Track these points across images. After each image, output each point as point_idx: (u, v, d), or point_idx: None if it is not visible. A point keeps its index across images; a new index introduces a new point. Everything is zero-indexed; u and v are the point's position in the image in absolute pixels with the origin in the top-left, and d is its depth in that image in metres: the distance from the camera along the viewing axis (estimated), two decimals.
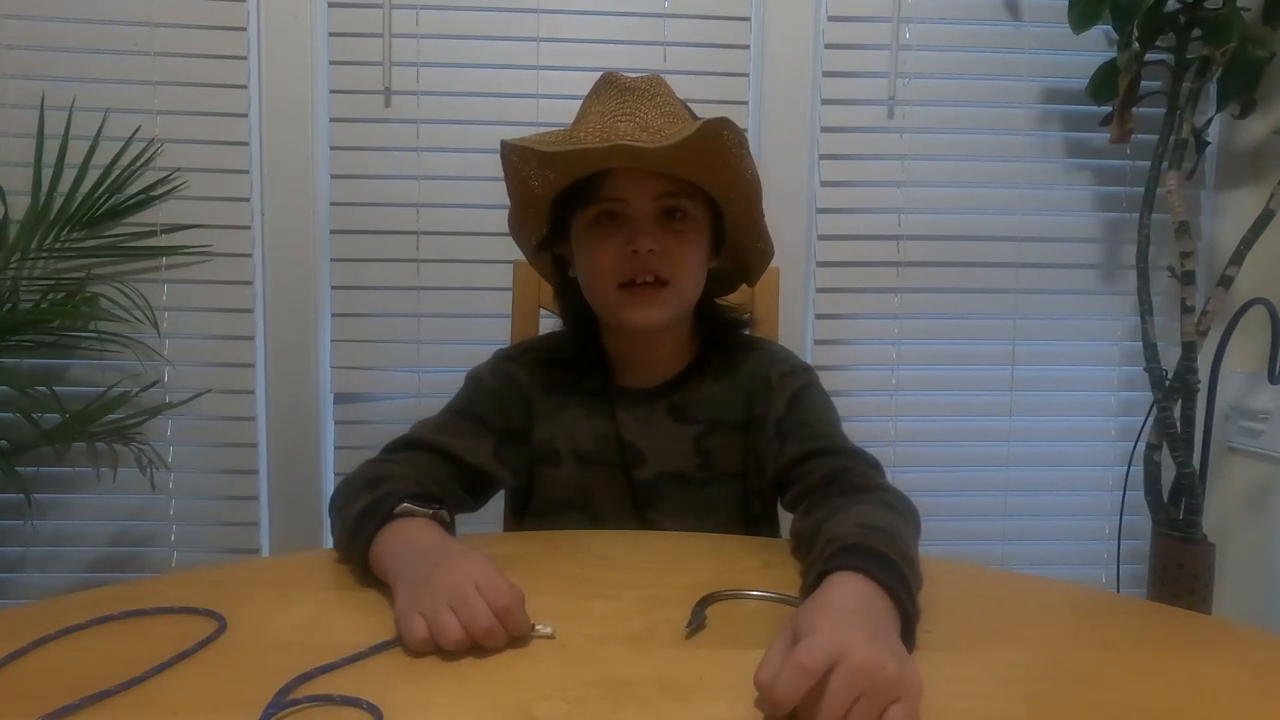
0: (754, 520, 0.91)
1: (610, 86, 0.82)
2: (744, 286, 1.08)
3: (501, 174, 0.84)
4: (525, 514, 0.93)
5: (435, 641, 0.54)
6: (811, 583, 0.57)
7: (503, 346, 0.97)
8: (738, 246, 0.91)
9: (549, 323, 1.09)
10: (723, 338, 0.92)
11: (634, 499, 0.88)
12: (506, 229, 0.93)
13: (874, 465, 0.78)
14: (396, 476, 0.75)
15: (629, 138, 0.74)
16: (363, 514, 0.68)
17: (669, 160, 0.77)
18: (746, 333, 0.96)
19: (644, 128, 0.77)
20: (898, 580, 0.55)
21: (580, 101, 0.87)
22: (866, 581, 0.55)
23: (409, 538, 0.65)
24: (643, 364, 0.90)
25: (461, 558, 0.60)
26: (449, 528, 0.71)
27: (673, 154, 0.75)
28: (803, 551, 0.69)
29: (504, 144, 0.79)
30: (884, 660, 0.46)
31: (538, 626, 0.57)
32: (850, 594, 0.54)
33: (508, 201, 0.88)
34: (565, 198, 0.84)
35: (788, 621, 0.51)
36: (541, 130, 0.81)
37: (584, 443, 0.89)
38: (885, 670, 0.46)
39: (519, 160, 0.81)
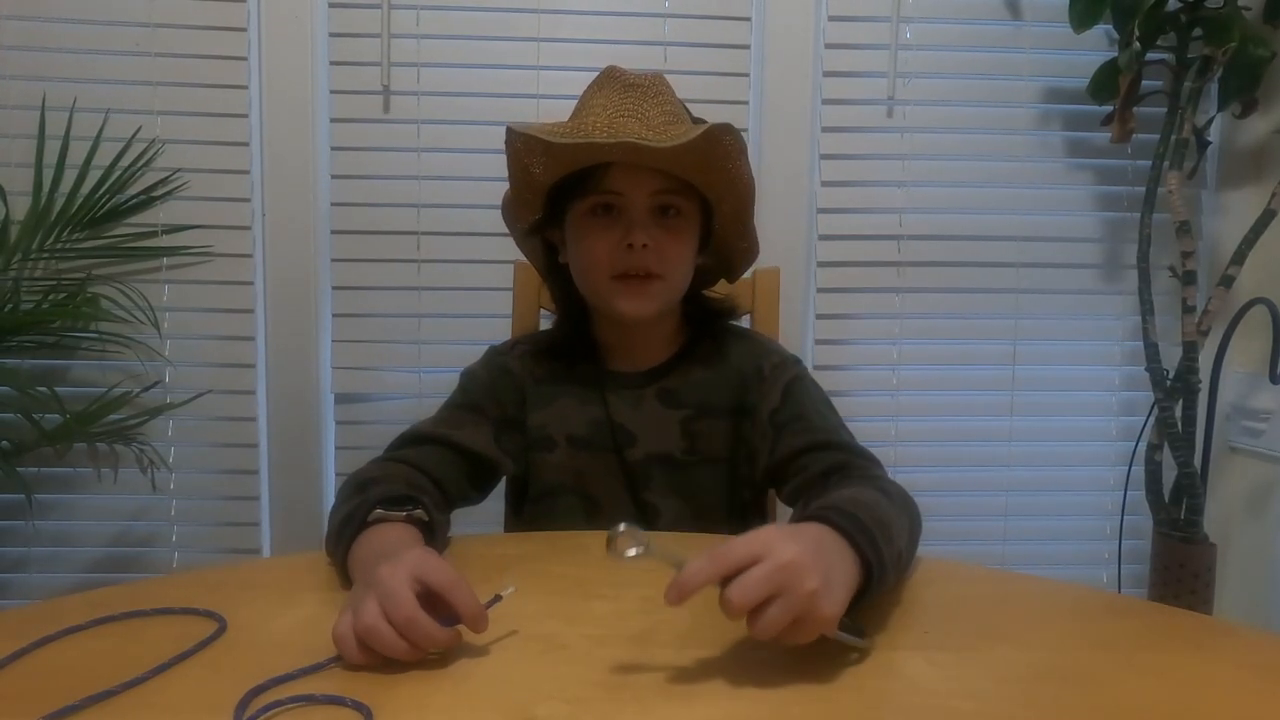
0: (742, 508, 0.92)
1: (614, 81, 0.83)
2: (743, 283, 1.08)
3: (503, 171, 0.85)
4: (523, 503, 0.94)
5: (361, 637, 0.51)
6: None
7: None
8: (724, 244, 0.92)
9: (549, 323, 1.09)
10: (709, 325, 0.94)
11: (628, 481, 0.90)
12: (507, 229, 0.94)
13: (872, 460, 0.79)
14: (385, 478, 0.75)
15: (635, 135, 0.76)
16: (343, 522, 0.68)
17: (670, 160, 0.79)
18: (734, 322, 0.98)
19: (649, 126, 0.79)
20: (859, 530, 0.56)
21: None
22: (823, 527, 0.56)
23: (377, 546, 0.63)
24: (633, 350, 0.92)
25: (403, 552, 0.57)
26: (426, 527, 0.69)
27: (675, 154, 0.76)
28: None
29: (509, 129, 0.81)
30: (808, 572, 0.49)
31: (502, 592, 0.56)
32: (811, 529, 0.56)
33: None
34: (563, 186, 0.85)
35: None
36: (544, 121, 0.81)
37: (577, 428, 0.90)
38: (806, 580, 0.48)
39: (523, 147, 0.82)
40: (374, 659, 0.52)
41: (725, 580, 0.49)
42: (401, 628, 0.51)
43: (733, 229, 0.90)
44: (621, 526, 0.50)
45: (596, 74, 0.86)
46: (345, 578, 0.66)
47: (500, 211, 0.93)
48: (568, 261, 0.89)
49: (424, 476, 0.79)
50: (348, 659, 0.52)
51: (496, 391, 0.90)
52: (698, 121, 0.87)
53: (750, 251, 0.94)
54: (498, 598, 0.57)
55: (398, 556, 0.56)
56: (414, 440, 0.83)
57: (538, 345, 0.95)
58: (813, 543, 0.53)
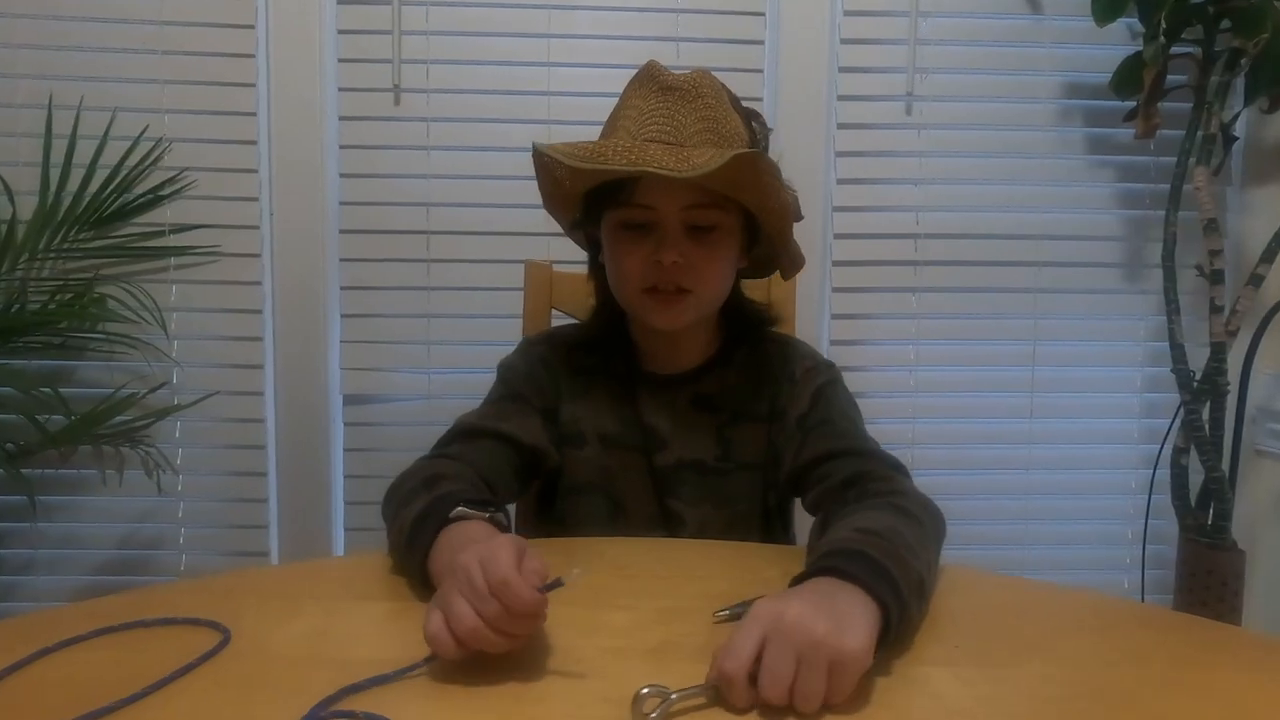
0: (768, 513, 0.90)
1: (652, 82, 0.81)
2: (758, 283, 1.06)
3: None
4: (550, 498, 0.93)
5: (457, 635, 0.50)
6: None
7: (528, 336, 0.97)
8: (769, 249, 0.90)
9: (560, 323, 1.07)
10: (747, 330, 0.92)
11: (654, 485, 0.88)
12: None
13: (896, 467, 0.77)
14: (453, 475, 0.73)
15: (657, 164, 0.72)
16: (419, 518, 0.65)
17: (698, 180, 0.76)
18: (772, 329, 0.95)
19: (677, 143, 0.76)
20: (870, 572, 0.54)
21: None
22: (829, 580, 0.54)
23: (461, 542, 0.61)
24: (668, 353, 0.90)
25: (482, 540, 0.55)
26: (504, 531, 0.67)
27: (701, 177, 0.73)
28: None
29: (535, 146, 0.79)
30: (814, 620, 0.48)
31: (565, 577, 0.52)
32: (808, 586, 0.54)
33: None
34: (597, 190, 0.83)
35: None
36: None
37: (608, 425, 0.89)
38: (815, 630, 0.47)
39: (549, 160, 0.81)
40: (470, 653, 0.51)
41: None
42: (492, 620, 0.50)
43: (778, 242, 0.87)
44: (645, 689, 0.48)
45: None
46: (420, 577, 0.63)
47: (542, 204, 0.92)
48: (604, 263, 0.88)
49: (479, 476, 0.77)
50: (444, 655, 0.51)
51: (537, 381, 0.89)
52: (748, 113, 0.85)
53: (795, 261, 0.91)
54: (559, 582, 0.52)
55: (475, 545, 0.54)
56: (465, 434, 0.82)
57: (574, 338, 0.94)
58: (811, 594, 0.52)
